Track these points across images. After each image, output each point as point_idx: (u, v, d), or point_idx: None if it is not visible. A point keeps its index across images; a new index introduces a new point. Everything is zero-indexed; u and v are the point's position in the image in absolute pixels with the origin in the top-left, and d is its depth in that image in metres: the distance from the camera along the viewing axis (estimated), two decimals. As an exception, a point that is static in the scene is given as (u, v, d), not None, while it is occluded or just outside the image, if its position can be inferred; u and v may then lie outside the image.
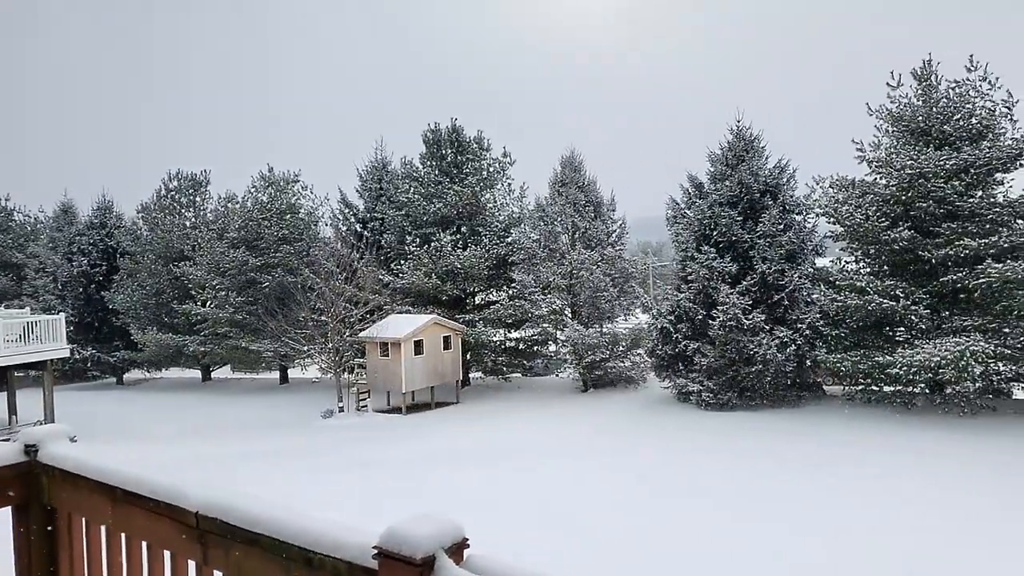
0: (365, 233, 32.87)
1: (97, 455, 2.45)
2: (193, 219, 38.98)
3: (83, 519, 2.51)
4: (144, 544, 2.27)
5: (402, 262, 29.16)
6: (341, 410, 25.52)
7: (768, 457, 15.85)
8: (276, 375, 35.92)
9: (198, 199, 39.45)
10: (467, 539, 1.61)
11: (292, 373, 35.70)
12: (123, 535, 2.33)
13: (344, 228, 34.22)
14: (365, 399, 26.29)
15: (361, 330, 26.29)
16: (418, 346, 25.28)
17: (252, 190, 35.26)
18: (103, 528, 2.42)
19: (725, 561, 9.21)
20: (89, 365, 38.77)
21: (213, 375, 38.89)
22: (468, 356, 29.48)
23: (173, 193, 38.91)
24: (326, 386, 30.11)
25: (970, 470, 14.03)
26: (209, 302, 33.65)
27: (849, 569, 8.92)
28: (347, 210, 34.61)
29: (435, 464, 16.29)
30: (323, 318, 26.45)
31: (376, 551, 1.59)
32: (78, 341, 36.13)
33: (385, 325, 25.79)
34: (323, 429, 23.27)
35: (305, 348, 28.45)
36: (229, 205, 36.12)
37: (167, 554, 2.18)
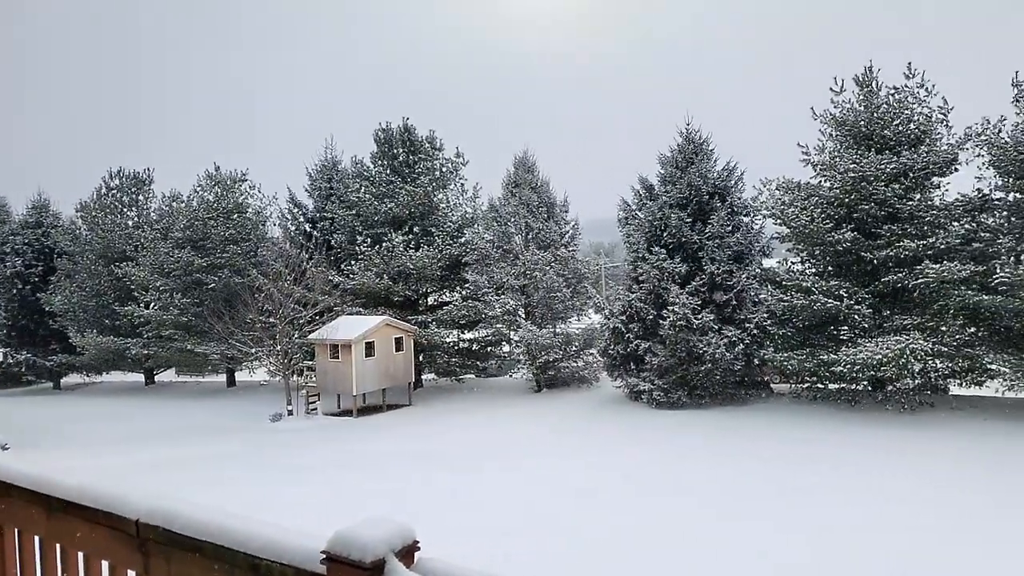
0: (314, 233, 32.43)
1: (30, 463, 2.34)
2: (136, 219, 38.01)
3: (15, 530, 2.43)
4: (81, 555, 2.20)
5: (352, 263, 28.83)
6: (290, 413, 25.09)
7: (732, 456, 16.10)
8: (223, 378, 35.17)
9: (141, 198, 38.46)
10: (417, 542, 1.59)
11: (240, 376, 35.01)
12: (58, 546, 2.26)
13: (293, 228, 33.73)
14: (315, 402, 25.90)
15: (311, 332, 25.90)
16: (369, 348, 25.01)
17: (198, 189, 34.46)
18: (37, 539, 2.33)
19: (666, 558, 9.31)
20: (24, 369, 37.39)
21: (157, 379, 37.90)
22: (421, 357, 29.30)
23: (115, 192, 37.84)
24: (275, 389, 29.59)
25: (960, 467, 14.46)
26: (153, 304, 32.80)
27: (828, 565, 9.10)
28: (296, 209, 34.10)
29: (387, 466, 16.13)
30: (271, 320, 25.97)
31: (324, 556, 1.56)
32: (11, 344, 34.81)
33: (335, 327, 25.45)
34: (271, 432, 22.83)
35: (253, 350, 27.91)
36: (174, 204, 35.25)
37: (105, 565, 2.12)
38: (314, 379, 26.35)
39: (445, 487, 13.66)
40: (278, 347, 25.77)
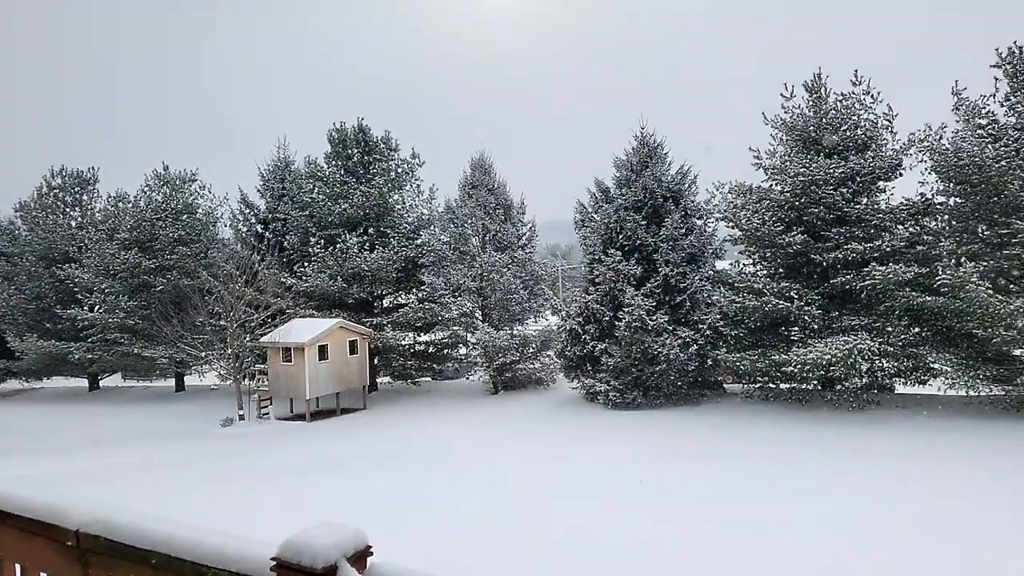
0: (266, 234, 31.87)
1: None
2: (80, 219, 36.89)
3: (-55, 543, 2.26)
4: (18, 567, 2.13)
5: (306, 264, 28.42)
6: (242, 418, 24.60)
7: (689, 455, 16.28)
8: (171, 383, 34.32)
9: (85, 198, 37.37)
10: (370, 547, 1.57)
11: (189, 380, 34.23)
12: (-6, 558, 2.13)
13: (244, 229, 33.12)
14: (267, 406, 25.43)
15: (262, 335, 25.44)
16: (323, 351, 24.67)
17: (145, 189, 33.62)
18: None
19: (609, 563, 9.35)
20: (-42, 375, 35.94)
21: (102, 384, 36.80)
22: (376, 360, 29.02)
23: (56, 191, 36.68)
24: (226, 393, 28.98)
25: (907, 462, 14.82)
26: (98, 306, 31.87)
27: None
28: (247, 210, 33.47)
29: (339, 471, 15.90)
30: (222, 322, 25.44)
31: (274, 562, 1.53)
32: (-57, 349, 33.41)
33: (288, 330, 25.03)
34: (222, 438, 22.34)
35: (203, 354, 27.30)
36: (120, 204, 34.32)
37: (44, 576, 2.03)
38: (266, 383, 25.88)
39: (400, 491, 13.52)
40: (229, 350, 25.24)
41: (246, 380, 26.63)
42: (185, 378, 34.07)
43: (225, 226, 34.55)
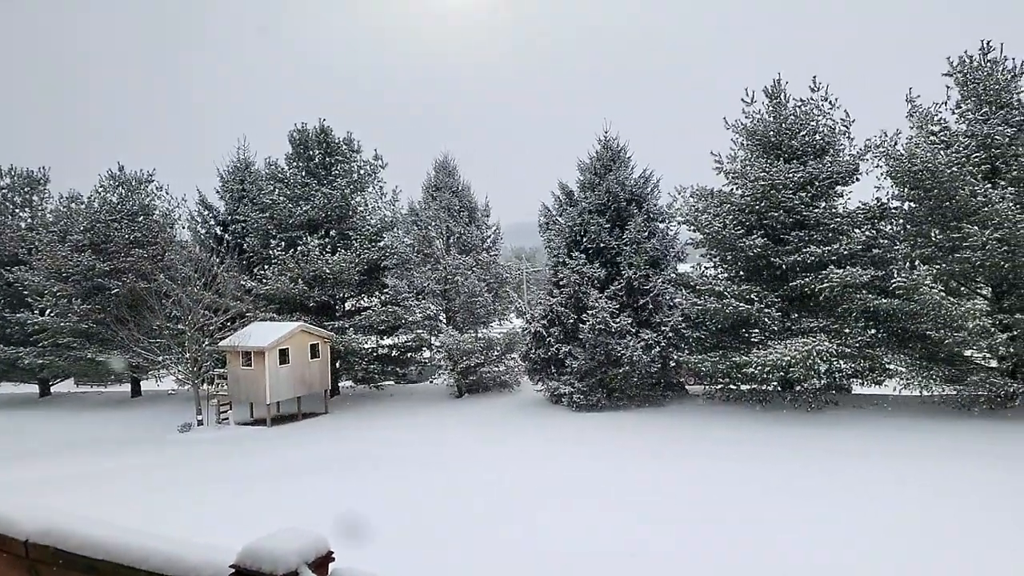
0: (226, 236, 31.35)
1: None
2: (30, 220, 35.80)
3: None
4: None
5: (266, 267, 27.98)
6: (200, 423, 24.12)
7: (654, 455, 16.37)
8: (127, 388, 33.48)
9: (35, 198, 36.27)
10: (332, 552, 1.56)
11: (146, 385, 33.43)
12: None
13: (203, 231, 32.51)
14: (226, 411, 24.96)
15: (222, 339, 24.96)
16: (283, 355, 24.30)
17: (100, 190, 32.74)
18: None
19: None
20: (-101, 383, 34.57)
21: (53, 390, 35.71)
22: (338, 364, 28.66)
23: (5, 192, 35.52)
24: (184, 398, 28.39)
25: (865, 460, 15.07)
26: (49, 310, 30.92)
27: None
28: (206, 212, 32.88)
29: (300, 476, 15.66)
30: (180, 326, 24.91)
31: (233, 570, 1.50)
32: None
33: (248, 333, 24.60)
34: (179, 444, 21.86)
35: (160, 358, 26.68)
36: (72, 206, 33.34)
37: (-7, 589, 1.91)
38: (225, 388, 25.40)
39: (360, 496, 13.36)
40: (187, 354, 24.73)
41: (205, 385, 26.11)
42: (141, 383, 33.26)
43: (183, 228, 33.85)
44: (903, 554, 9.20)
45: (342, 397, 29.18)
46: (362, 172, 30.33)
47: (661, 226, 25.20)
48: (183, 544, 1.64)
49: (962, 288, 20.89)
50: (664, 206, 25.09)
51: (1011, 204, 18.06)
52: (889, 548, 9.41)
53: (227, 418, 24.81)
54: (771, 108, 22.80)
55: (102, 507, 12.93)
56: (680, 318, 22.58)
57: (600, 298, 22.26)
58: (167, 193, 33.92)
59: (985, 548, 9.36)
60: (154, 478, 16.58)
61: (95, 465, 18.55)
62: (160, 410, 28.27)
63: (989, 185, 18.66)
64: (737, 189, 22.49)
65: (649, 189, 25.47)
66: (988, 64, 20.14)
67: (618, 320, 22.00)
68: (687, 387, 24.95)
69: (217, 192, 32.99)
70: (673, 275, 24.11)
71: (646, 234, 23.92)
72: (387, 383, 30.19)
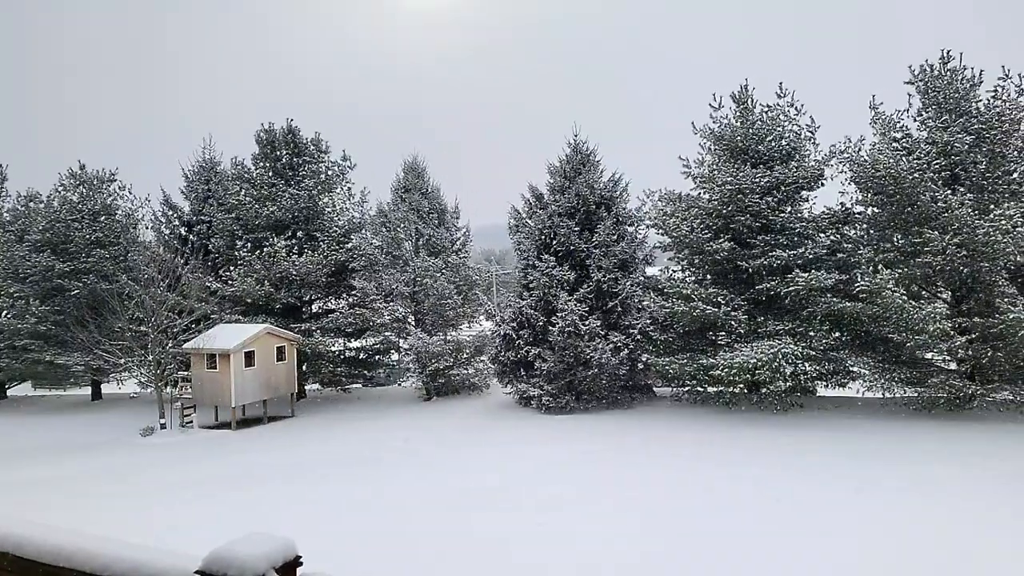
0: (191, 237, 30.84)
1: None
2: (-15, 219, 34.79)
3: None
4: None
5: (232, 268, 27.58)
6: (163, 427, 23.67)
7: (624, 458, 16.40)
8: (88, 391, 32.74)
9: (-8, 197, 35.25)
10: (300, 557, 1.53)
11: (107, 388, 32.72)
12: None
13: (167, 231, 31.94)
14: (190, 415, 24.51)
15: (186, 341, 24.54)
16: (249, 357, 23.97)
17: (60, 189, 32.01)
18: None
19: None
20: None
21: (9, 393, 34.77)
22: (304, 367, 28.34)
23: (-41, 189, 34.51)
24: (147, 402, 27.85)
25: (830, 459, 15.24)
26: (6, 312, 30.11)
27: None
28: (171, 212, 32.30)
29: (266, 481, 15.44)
30: (143, 328, 24.41)
31: None
32: None
33: (213, 336, 24.23)
34: (141, 448, 21.42)
35: (122, 361, 26.13)
36: (31, 205, 32.53)
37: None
38: (189, 391, 24.95)
39: (329, 500, 13.20)
40: (150, 357, 24.25)
41: (168, 388, 25.65)
42: (102, 386, 32.55)
43: (147, 228, 33.20)
44: (862, 553, 9.33)
45: (309, 400, 28.85)
46: (330, 173, 30.05)
47: (630, 229, 25.34)
48: (145, 550, 1.60)
49: (923, 292, 21.34)
50: (633, 209, 25.25)
51: (970, 210, 18.51)
52: (851, 547, 9.53)
53: (191, 422, 24.38)
54: (738, 113, 23.06)
55: (59, 513, 12.61)
56: (648, 321, 22.74)
57: (569, 301, 22.32)
58: (130, 193, 33.33)
59: (946, 543, 9.52)
60: (115, 483, 16.21)
61: (53, 470, 18.08)
62: (122, 414, 27.68)
63: (949, 191, 19.09)
64: (705, 193, 22.70)
65: (618, 192, 25.60)
66: (948, 73, 20.63)
67: (587, 323, 22.08)
68: (655, 389, 25.12)
69: (182, 192, 32.44)
70: (642, 278, 24.26)
71: (615, 237, 24.03)
72: (355, 386, 29.94)
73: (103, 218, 31.36)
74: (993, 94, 20.12)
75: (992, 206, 19.22)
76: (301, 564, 1.53)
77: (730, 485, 13.29)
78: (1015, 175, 20.25)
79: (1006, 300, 18.00)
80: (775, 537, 10.06)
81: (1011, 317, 17.43)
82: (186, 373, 25.39)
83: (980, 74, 20.33)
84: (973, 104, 20.34)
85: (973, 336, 18.88)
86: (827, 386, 22.62)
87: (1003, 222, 17.88)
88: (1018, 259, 18.19)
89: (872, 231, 22.02)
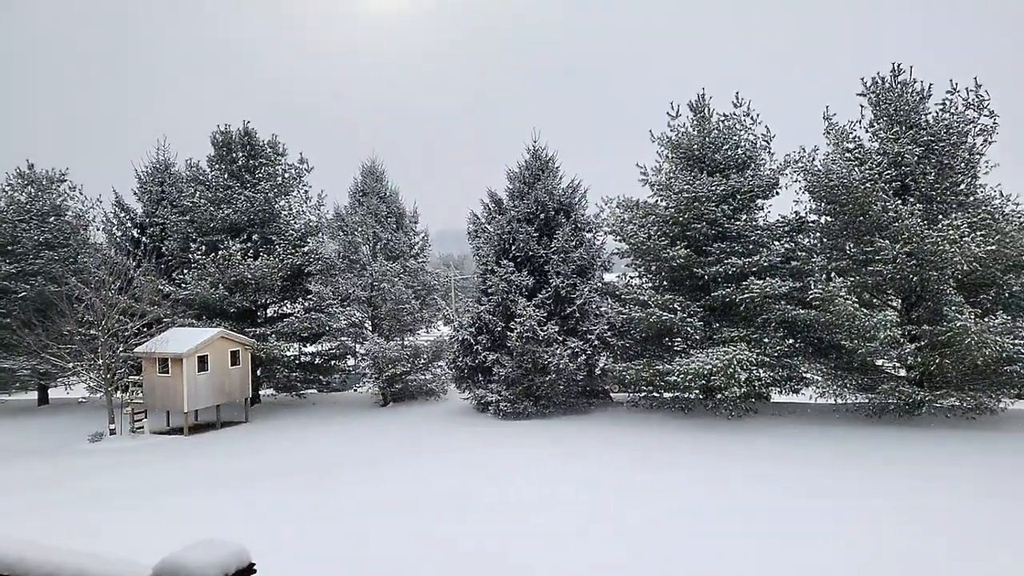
0: (143, 239, 30.19)
1: None
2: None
3: None
4: None
5: (185, 271, 27.01)
6: (113, 432, 23.06)
7: (581, 463, 16.32)
8: (34, 395, 31.77)
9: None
10: (254, 564, 1.51)
11: (54, 393, 31.83)
12: None
13: (119, 233, 31.17)
14: (141, 420, 23.91)
15: (137, 345, 23.92)
16: (202, 362, 23.46)
17: (7, 189, 31.05)
18: None
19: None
20: None
21: (-51, 399, 33.52)
22: (259, 372, 27.84)
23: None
24: (96, 406, 27.07)
25: (781, 465, 15.32)
26: (-55, 314, 28.99)
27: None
28: (123, 214, 31.53)
29: (218, 487, 15.05)
30: (92, 331, 23.75)
31: None
32: None
33: (165, 339, 23.68)
34: (90, 454, 20.81)
35: (70, 365, 25.40)
36: (-26, 205, 31.46)
37: None
38: (141, 395, 24.34)
39: (282, 507, 12.89)
40: (100, 361, 23.59)
41: (118, 392, 25.00)
42: (49, 391, 31.63)
43: (98, 230, 32.36)
44: (814, 557, 9.37)
45: (263, 405, 28.34)
46: (287, 175, 29.65)
47: (588, 235, 25.38)
48: (94, 558, 1.55)
49: (874, 300, 21.73)
50: (591, 216, 25.33)
51: (919, 220, 18.89)
52: (801, 553, 9.57)
53: (142, 427, 23.78)
54: (695, 122, 23.29)
55: (5, 522, 12.12)
56: (606, 327, 22.79)
57: (528, 306, 22.26)
58: (81, 193, 32.45)
59: (897, 547, 9.61)
60: (61, 490, 15.66)
61: (-10, 478, 17.41)
62: (70, 419, 26.90)
63: (899, 201, 19.47)
64: (662, 201, 22.84)
65: (577, 199, 25.65)
66: (899, 86, 21.07)
67: (545, 328, 22.04)
68: (612, 395, 25.17)
69: (135, 193, 31.69)
70: (599, 284, 24.31)
71: (573, 243, 24.06)
72: (310, 391, 29.48)
73: (52, 219, 30.51)
74: (941, 107, 20.60)
75: (940, 216, 19.67)
76: (255, 571, 1.51)
77: (685, 489, 13.31)
78: (962, 186, 20.75)
79: (953, 308, 18.35)
80: (725, 538, 10.06)
81: (958, 325, 17.80)
82: (137, 378, 24.78)
83: (929, 87, 20.80)
84: (922, 116, 20.80)
85: (922, 343, 19.25)
86: (781, 392, 22.88)
87: (951, 232, 18.27)
88: (965, 268, 18.60)
89: (825, 240, 22.38)
